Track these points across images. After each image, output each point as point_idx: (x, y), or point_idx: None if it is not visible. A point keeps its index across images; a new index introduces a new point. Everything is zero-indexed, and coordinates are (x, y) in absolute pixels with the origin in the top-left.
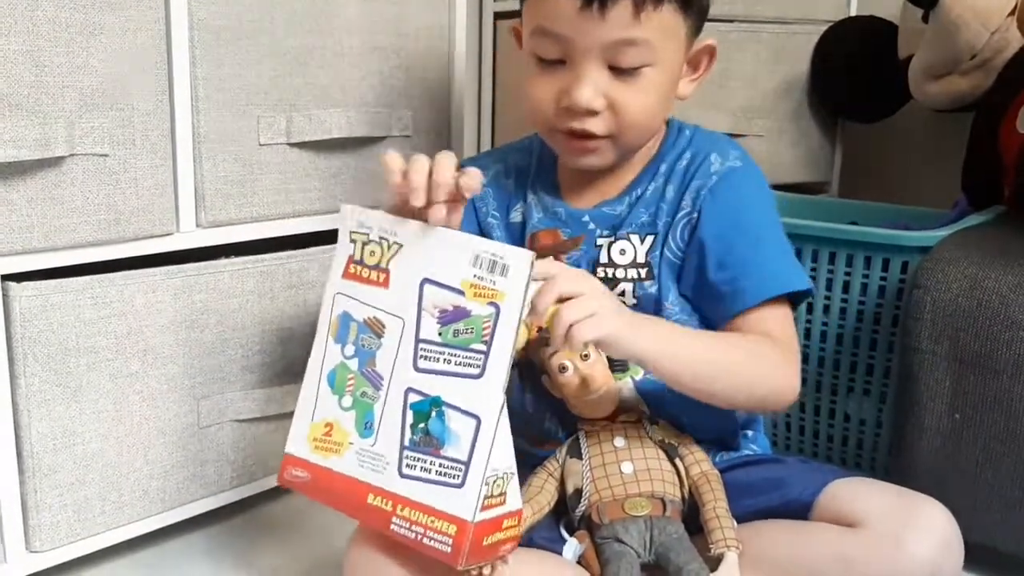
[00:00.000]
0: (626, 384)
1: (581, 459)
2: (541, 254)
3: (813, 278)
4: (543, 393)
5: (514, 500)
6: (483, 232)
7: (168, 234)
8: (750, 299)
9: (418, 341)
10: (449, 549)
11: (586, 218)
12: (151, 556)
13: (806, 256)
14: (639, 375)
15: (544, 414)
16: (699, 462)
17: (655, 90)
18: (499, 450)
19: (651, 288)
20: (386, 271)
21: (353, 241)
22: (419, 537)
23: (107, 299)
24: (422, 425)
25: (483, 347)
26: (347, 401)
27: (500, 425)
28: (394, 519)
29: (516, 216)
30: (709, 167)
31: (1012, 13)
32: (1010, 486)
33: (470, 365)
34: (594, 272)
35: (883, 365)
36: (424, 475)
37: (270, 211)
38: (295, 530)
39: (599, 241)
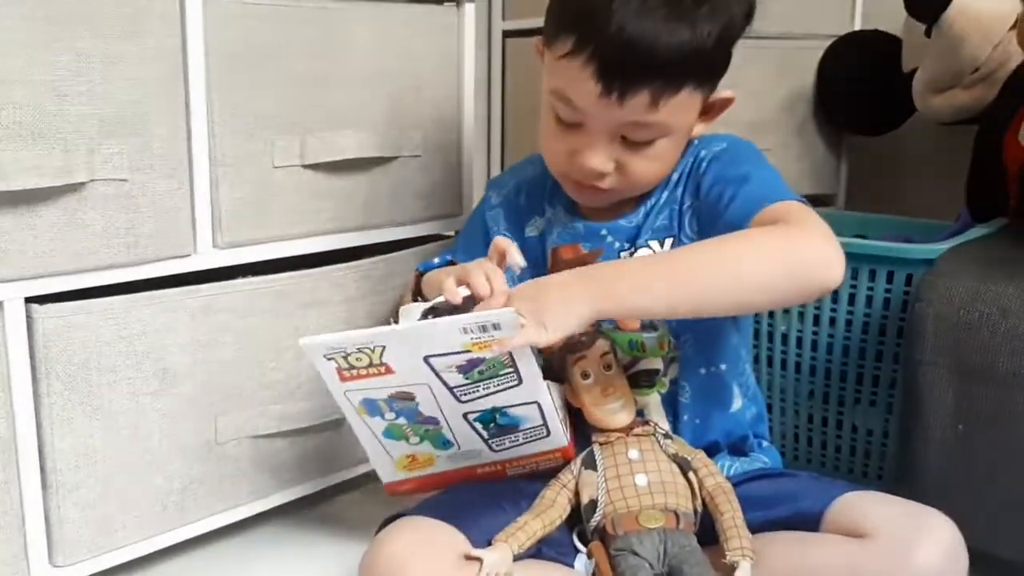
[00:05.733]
0: (653, 399)
1: (596, 470)
2: (564, 268)
3: None
4: (563, 402)
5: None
6: None
7: (186, 255)
8: (742, 221)
9: (450, 389)
10: (563, 462)
11: (604, 231)
12: (171, 570)
13: None
14: (665, 389)
15: None
16: (713, 474)
17: (665, 155)
18: (558, 398)
19: None
20: (383, 364)
21: (331, 360)
22: (534, 468)
23: (127, 320)
24: (492, 425)
25: (510, 367)
26: (415, 440)
27: (552, 389)
28: (508, 470)
29: (532, 231)
30: (700, 160)
31: (1014, 27)
32: (1015, 496)
33: (507, 381)
34: None
35: (889, 376)
36: (513, 444)
37: (284, 231)
38: (311, 544)
39: (621, 254)
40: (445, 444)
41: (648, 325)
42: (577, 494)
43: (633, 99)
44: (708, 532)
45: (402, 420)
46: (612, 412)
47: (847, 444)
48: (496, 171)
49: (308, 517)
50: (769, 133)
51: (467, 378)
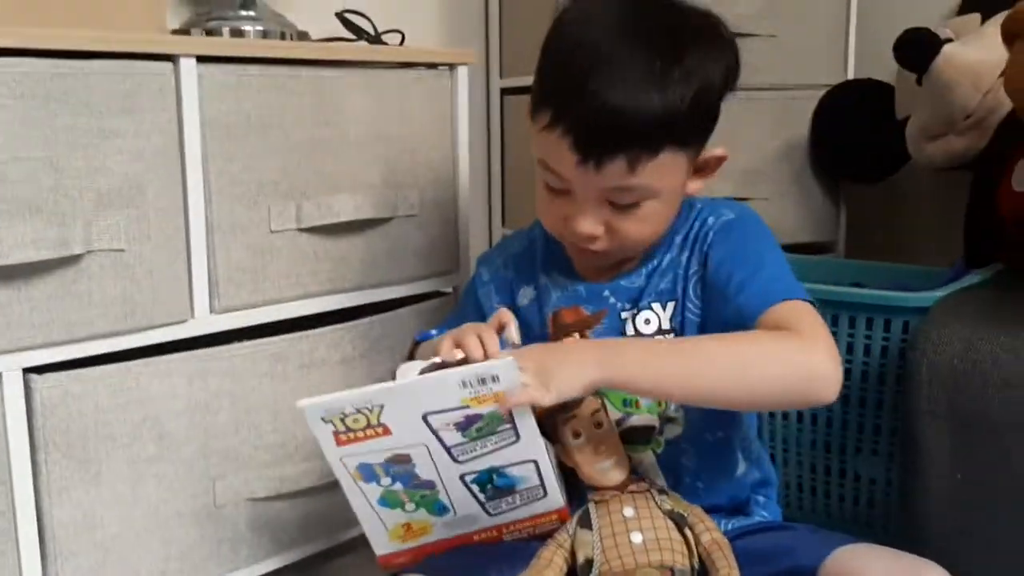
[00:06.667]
0: (647, 457)
1: (591, 529)
2: (566, 331)
3: None
4: (556, 463)
5: None
6: None
7: (183, 321)
8: (752, 314)
9: (448, 449)
10: (559, 524)
11: (606, 292)
12: None
13: None
14: (660, 448)
15: None
16: (709, 530)
17: (654, 216)
18: (552, 459)
19: None
20: (381, 425)
21: (329, 422)
22: (531, 532)
23: (124, 386)
24: (489, 487)
25: (508, 424)
26: (410, 507)
27: (547, 449)
28: (504, 535)
29: (523, 300)
30: (707, 228)
31: (1003, 74)
32: (1015, 544)
33: (505, 438)
34: None
35: (890, 424)
36: (510, 507)
37: (281, 294)
38: None
39: (623, 315)
40: (441, 510)
41: None
42: (573, 553)
43: (610, 166)
44: None
45: (398, 486)
46: (604, 471)
47: (850, 493)
48: (497, 224)
49: None
50: (766, 182)
51: (465, 436)
